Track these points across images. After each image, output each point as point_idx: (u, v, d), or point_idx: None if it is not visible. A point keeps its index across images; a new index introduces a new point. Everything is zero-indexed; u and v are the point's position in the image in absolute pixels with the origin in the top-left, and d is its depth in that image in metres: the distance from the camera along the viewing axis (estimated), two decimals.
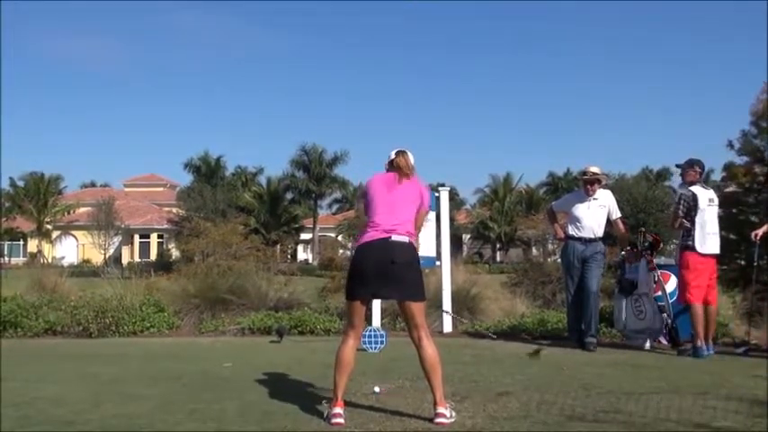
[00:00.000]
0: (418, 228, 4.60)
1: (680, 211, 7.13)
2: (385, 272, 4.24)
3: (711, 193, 7.27)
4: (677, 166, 7.62)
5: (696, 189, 7.18)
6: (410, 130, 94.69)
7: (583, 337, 7.46)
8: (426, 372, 4.26)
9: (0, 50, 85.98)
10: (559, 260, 10.18)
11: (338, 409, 4.20)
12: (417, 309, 4.28)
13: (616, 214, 7.82)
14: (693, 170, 7.30)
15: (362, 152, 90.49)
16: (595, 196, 7.74)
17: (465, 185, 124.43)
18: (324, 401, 4.42)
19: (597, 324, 7.61)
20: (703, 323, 6.98)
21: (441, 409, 4.17)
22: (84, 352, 7.85)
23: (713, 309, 7.17)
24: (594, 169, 7.80)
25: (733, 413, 4.37)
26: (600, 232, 7.70)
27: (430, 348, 4.25)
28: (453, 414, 4.22)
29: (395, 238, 4.29)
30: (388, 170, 4.61)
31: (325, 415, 4.29)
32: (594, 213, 7.70)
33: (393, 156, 4.59)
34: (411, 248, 4.35)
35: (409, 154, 4.61)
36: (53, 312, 9.54)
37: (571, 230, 7.80)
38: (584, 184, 7.85)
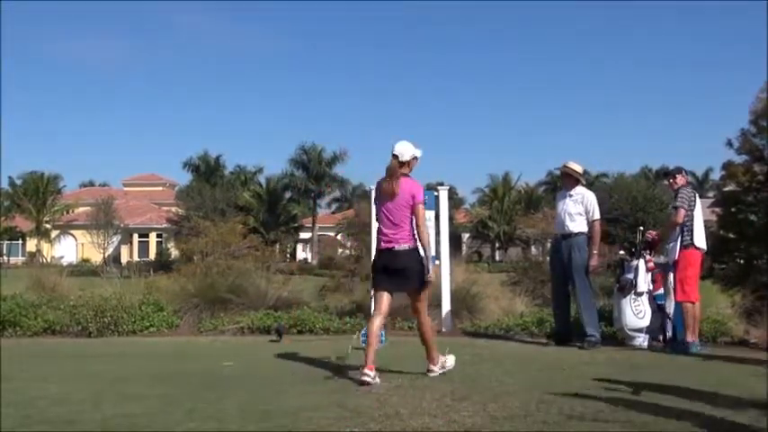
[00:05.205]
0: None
1: (684, 206, 7.22)
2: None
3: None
4: (665, 175, 7.81)
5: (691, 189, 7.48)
6: (410, 130, 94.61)
7: (564, 337, 7.59)
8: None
9: (0, 51, 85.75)
10: None
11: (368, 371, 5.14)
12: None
13: (593, 216, 7.66)
14: (681, 175, 7.55)
15: (362, 151, 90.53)
16: (571, 192, 7.73)
17: (464, 184, 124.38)
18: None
19: (594, 321, 7.58)
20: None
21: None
22: (84, 351, 7.86)
23: (698, 305, 7.35)
24: (572, 165, 7.78)
25: (733, 412, 4.38)
26: (573, 228, 7.61)
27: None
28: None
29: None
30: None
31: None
32: (567, 208, 7.67)
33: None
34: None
35: (404, 148, 5.45)
36: (52, 312, 9.55)
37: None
38: (561, 178, 8.00)
